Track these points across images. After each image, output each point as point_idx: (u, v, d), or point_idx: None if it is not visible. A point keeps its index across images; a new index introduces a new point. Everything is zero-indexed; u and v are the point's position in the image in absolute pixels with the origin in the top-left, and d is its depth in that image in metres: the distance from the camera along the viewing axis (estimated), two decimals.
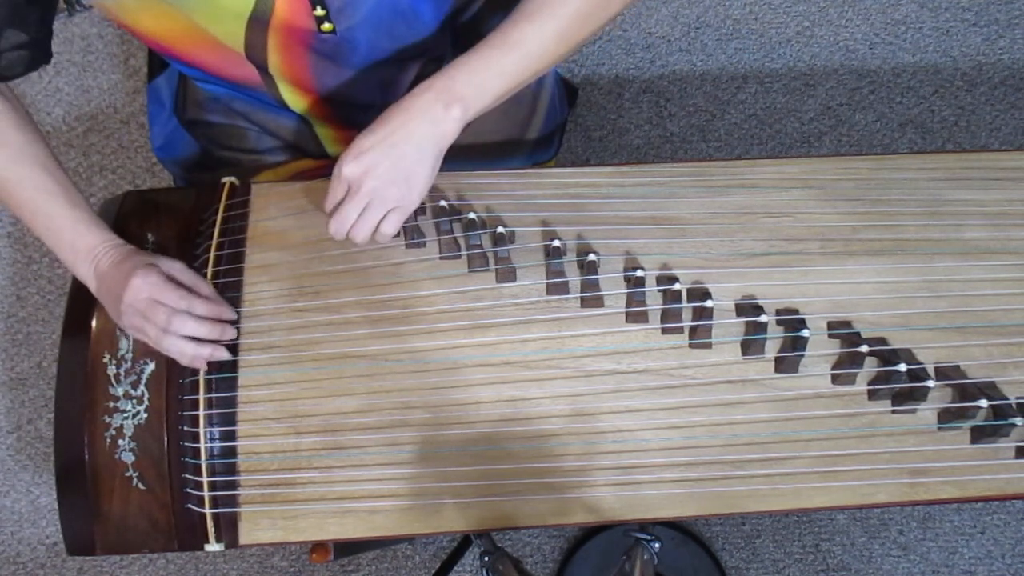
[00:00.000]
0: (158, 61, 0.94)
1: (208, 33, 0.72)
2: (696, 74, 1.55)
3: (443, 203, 0.77)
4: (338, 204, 0.69)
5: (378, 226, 0.70)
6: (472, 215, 0.77)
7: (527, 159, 0.97)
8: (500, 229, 0.75)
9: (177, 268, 0.72)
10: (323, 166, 0.93)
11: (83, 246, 0.71)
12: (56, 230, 0.71)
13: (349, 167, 0.67)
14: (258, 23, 0.70)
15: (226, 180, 0.84)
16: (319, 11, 0.68)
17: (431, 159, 0.68)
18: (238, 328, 0.74)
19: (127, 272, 0.68)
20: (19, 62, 0.69)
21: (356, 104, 0.83)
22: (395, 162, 0.67)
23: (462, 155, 0.94)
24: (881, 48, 1.58)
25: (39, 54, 0.70)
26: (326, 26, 0.70)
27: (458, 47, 0.83)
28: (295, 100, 0.83)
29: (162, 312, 0.68)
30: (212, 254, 0.77)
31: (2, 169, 0.70)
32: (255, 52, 0.74)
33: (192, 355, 0.70)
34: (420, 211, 0.78)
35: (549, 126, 0.99)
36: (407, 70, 0.81)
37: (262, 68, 0.77)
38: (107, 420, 0.72)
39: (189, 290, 0.71)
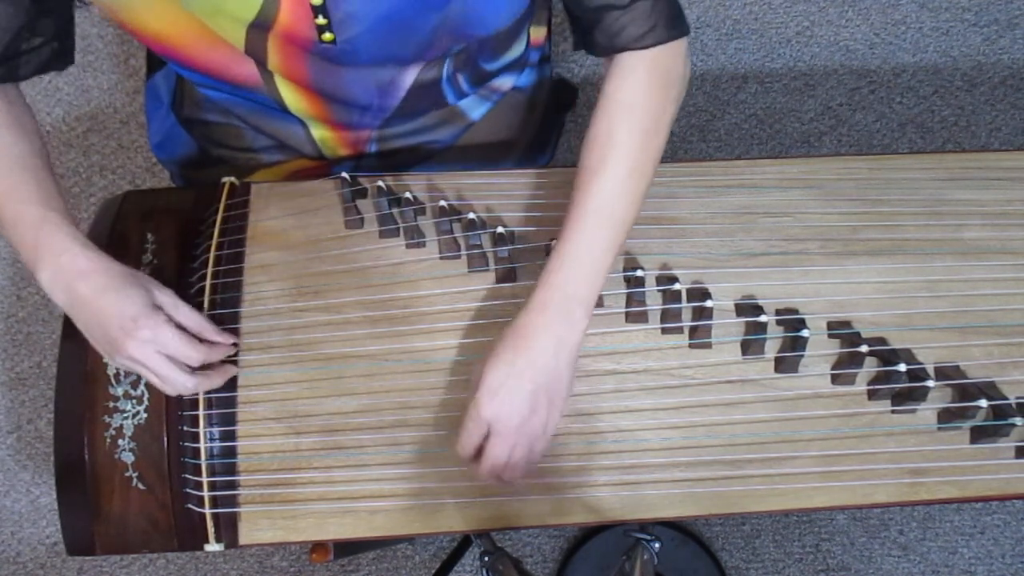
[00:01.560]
0: (156, 57, 0.94)
1: (208, 29, 0.73)
2: (696, 74, 1.55)
3: (443, 203, 0.77)
4: (481, 445, 0.69)
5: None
6: (472, 215, 0.77)
7: (520, 163, 0.97)
8: (500, 229, 0.75)
9: (169, 303, 0.69)
10: (320, 166, 0.93)
11: (45, 246, 0.65)
12: (21, 230, 0.66)
13: (486, 408, 0.67)
14: (259, 29, 0.70)
15: (226, 180, 0.84)
16: (321, 20, 0.69)
17: (568, 372, 0.68)
18: (238, 328, 0.74)
19: (118, 327, 0.65)
20: (36, 61, 0.70)
21: (354, 104, 0.83)
22: (531, 391, 0.66)
23: (459, 156, 0.94)
24: (881, 48, 1.58)
25: (61, 54, 0.72)
26: (327, 36, 0.70)
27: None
28: (293, 99, 0.83)
29: (155, 378, 0.68)
30: (212, 254, 0.77)
31: None
32: (254, 51, 0.75)
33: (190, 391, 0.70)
34: (420, 211, 0.78)
35: (545, 130, 0.99)
36: (406, 73, 0.81)
37: (261, 64, 0.77)
38: (107, 420, 0.72)
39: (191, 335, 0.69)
